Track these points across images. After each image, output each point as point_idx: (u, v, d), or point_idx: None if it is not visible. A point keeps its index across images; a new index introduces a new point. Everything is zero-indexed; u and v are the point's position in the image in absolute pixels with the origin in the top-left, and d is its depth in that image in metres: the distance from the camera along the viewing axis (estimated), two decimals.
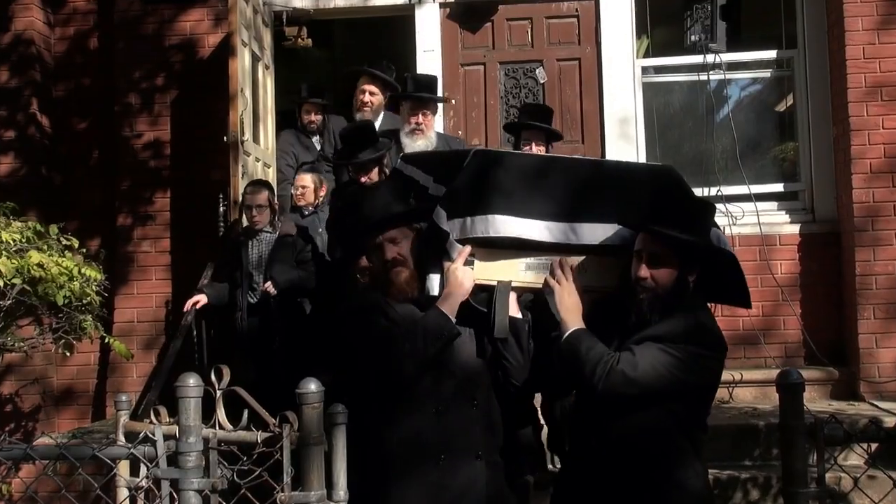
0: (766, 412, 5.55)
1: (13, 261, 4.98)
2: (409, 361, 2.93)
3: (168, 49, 7.13)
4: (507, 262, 3.13)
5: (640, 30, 7.14)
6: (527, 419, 3.70)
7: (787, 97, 7.26)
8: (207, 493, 2.49)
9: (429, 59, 7.09)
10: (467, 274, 3.07)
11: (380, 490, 3.01)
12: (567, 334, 2.93)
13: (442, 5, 7.12)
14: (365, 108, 5.98)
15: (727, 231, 5.28)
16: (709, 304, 3.11)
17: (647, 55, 7.29)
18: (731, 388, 6.07)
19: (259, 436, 2.47)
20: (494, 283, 3.11)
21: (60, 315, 5.41)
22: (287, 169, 6.81)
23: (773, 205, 6.93)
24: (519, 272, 3.14)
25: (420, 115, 5.38)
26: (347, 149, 5.20)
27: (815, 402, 5.95)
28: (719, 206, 6.02)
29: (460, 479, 3.00)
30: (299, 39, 7.44)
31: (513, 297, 3.14)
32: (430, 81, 5.67)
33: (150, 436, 2.49)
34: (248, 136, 6.54)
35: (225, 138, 6.34)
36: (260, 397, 2.55)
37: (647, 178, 3.18)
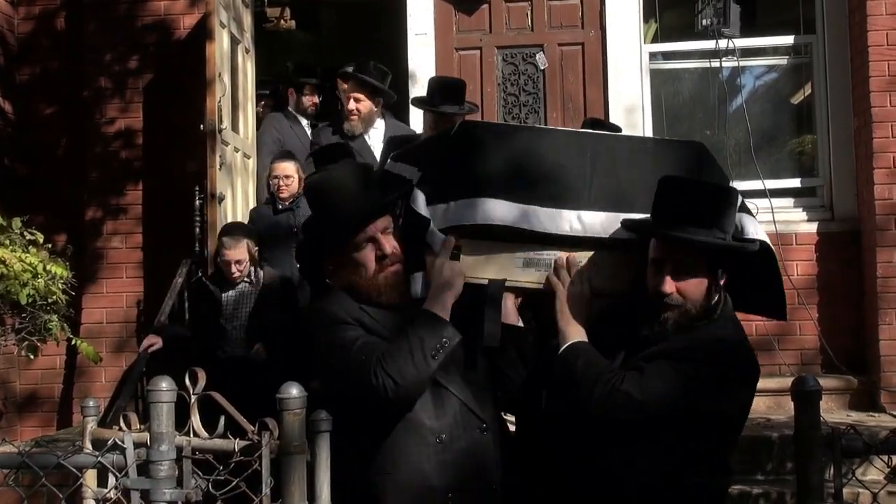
0: (780, 423, 5.57)
1: None
2: (405, 381, 2.54)
3: (141, 30, 7.12)
4: (500, 256, 2.79)
5: (648, 13, 7.16)
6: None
7: (805, 86, 7.29)
8: None
9: (421, 42, 7.10)
10: (456, 269, 2.73)
11: None
12: (564, 348, 2.65)
13: None
14: (353, 118, 5.90)
15: None
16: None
17: (655, 40, 7.31)
18: None
19: (236, 444, 2.47)
20: (484, 281, 2.78)
21: (24, 315, 5.39)
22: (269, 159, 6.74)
23: (790, 201, 6.95)
24: (514, 270, 2.80)
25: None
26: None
27: (833, 412, 5.97)
28: None
29: None
30: (282, 21, 7.47)
31: (510, 300, 2.84)
32: (458, 86, 5.51)
33: (119, 443, 2.49)
34: (226, 124, 6.54)
35: (201, 126, 6.33)
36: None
37: (672, 159, 2.85)
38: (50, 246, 5.66)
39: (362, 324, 2.69)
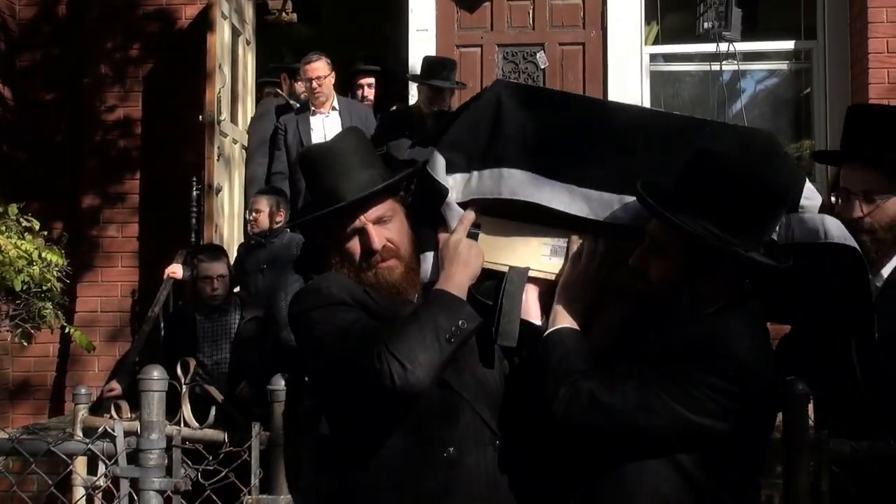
0: None
1: None
2: (414, 365, 2.09)
3: (142, 19, 7.11)
4: (525, 240, 2.42)
5: (650, 15, 7.16)
6: None
7: (805, 92, 7.29)
8: (169, 494, 2.49)
9: (422, 39, 7.10)
10: (474, 249, 2.35)
11: None
12: (548, 332, 2.30)
13: None
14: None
15: None
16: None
17: (656, 42, 7.32)
18: None
19: (226, 435, 2.48)
20: (504, 268, 2.40)
21: (18, 302, 5.38)
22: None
23: None
24: (540, 258, 2.41)
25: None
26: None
27: None
28: None
29: None
30: (284, 14, 7.46)
31: (532, 292, 2.41)
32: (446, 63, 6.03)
33: (110, 431, 2.49)
34: (225, 115, 6.55)
35: (200, 117, 6.34)
36: None
37: (735, 146, 2.38)
38: (46, 233, 5.64)
39: (365, 307, 2.29)
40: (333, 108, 6.34)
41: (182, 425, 2.56)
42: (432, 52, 6.82)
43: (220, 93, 6.41)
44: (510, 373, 2.41)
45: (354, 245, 2.36)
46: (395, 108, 6.74)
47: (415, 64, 6.96)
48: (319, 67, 6.21)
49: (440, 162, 2.41)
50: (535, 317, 2.39)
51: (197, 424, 2.55)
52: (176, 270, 5.93)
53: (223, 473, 2.48)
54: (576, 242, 2.37)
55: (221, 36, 6.52)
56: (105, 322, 6.95)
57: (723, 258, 2.13)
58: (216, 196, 6.30)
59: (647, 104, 6.99)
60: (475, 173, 2.41)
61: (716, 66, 7.07)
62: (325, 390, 2.36)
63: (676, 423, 2.08)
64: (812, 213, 2.34)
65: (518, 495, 2.32)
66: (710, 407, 2.07)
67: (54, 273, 5.44)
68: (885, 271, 2.71)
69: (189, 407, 2.54)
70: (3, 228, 5.28)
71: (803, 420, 2.71)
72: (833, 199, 2.81)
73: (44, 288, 5.39)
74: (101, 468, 2.63)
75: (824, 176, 6.86)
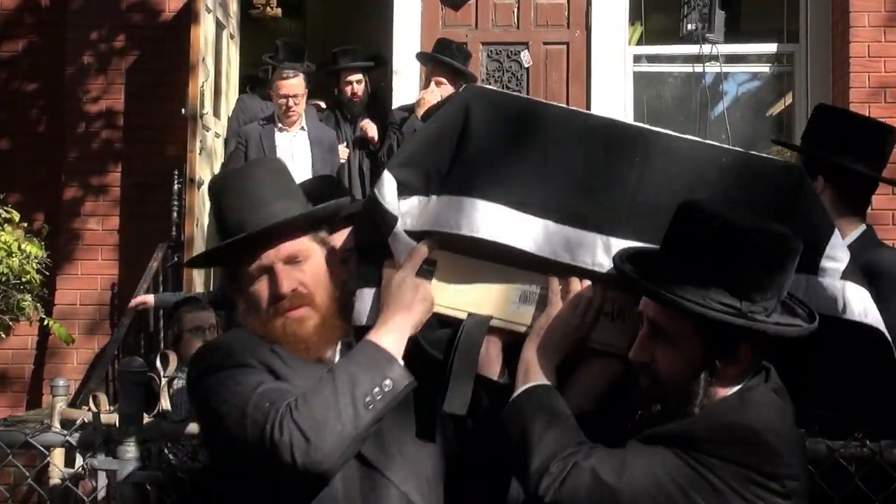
0: None
1: None
2: (320, 439, 1.69)
3: (126, 11, 7.07)
4: (489, 283, 1.99)
5: (634, 16, 7.18)
6: None
7: (786, 95, 7.33)
8: (147, 487, 2.50)
9: (406, 35, 7.08)
10: (420, 291, 1.92)
11: None
12: (521, 390, 1.88)
13: None
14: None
15: None
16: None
17: (640, 43, 7.33)
18: None
19: None
20: (462, 315, 1.97)
21: None
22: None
23: None
24: (507, 304, 1.98)
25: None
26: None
27: None
28: None
29: None
30: (268, 8, 7.46)
31: (495, 344, 1.99)
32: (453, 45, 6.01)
33: (87, 423, 2.49)
34: (208, 109, 6.55)
35: (182, 111, 6.33)
36: None
37: (757, 183, 1.99)
38: (26, 225, 5.67)
39: (271, 370, 1.87)
40: (302, 128, 6.14)
41: (160, 417, 2.56)
42: (417, 49, 6.83)
43: (203, 86, 6.41)
44: (461, 441, 2.00)
45: (261, 288, 1.95)
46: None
47: (399, 62, 7.00)
48: (296, 85, 5.99)
49: (390, 184, 1.98)
50: (494, 372, 1.98)
51: (175, 417, 2.55)
52: (146, 300, 5.76)
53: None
54: (555, 283, 1.96)
55: (205, 29, 6.51)
56: (84, 315, 6.91)
57: (745, 333, 1.75)
58: (198, 190, 6.29)
59: (630, 105, 7.03)
60: (433, 198, 1.99)
61: (699, 68, 7.08)
62: (222, 466, 1.97)
63: None
64: (833, 277, 1.96)
65: None
66: (739, 499, 1.71)
67: (34, 265, 5.45)
68: None
69: (168, 399, 2.55)
70: None
71: None
72: None
73: (23, 280, 5.40)
74: (80, 460, 2.63)
75: None
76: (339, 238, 2.18)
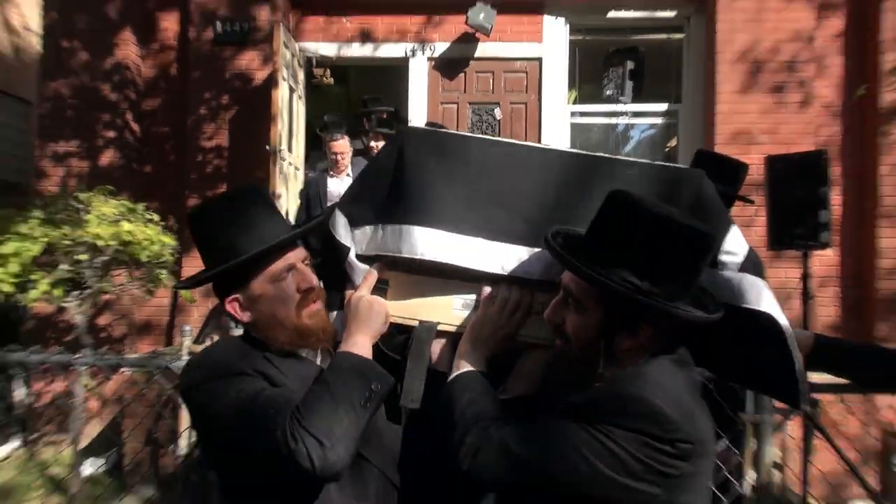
0: None
1: (111, 228, 5.08)
2: (333, 442, 1.38)
3: (229, 79, 7.14)
4: (434, 298, 1.70)
5: (571, 84, 7.23)
6: None
7: (673, 139, 7.37)
8: None
9: (417, 98, 7.14)
10: (375, 306, 1.64)
11: None
12: (452, 377, 1.58)
13: (429, 59, 7.15)
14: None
15: None
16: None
17: (575, 103, 7.38)
18: None
19: None
20: (415, 323, 1.70)
21: (143, 269, 5.47)
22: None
23: None
24: (451, 311, 1.69)
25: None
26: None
27: None
28: None
29: None
30: (324, 78, 7.49)
31: (447, 343, 1.70)
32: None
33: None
34: (283, 146, 6.61)
35: (267, 147, 6.39)
36: None
37: (661, 187, 1.66)
38: (163, 223, 5.72)
39: (267, 377, 1.51)
40: (347, 175, 6.03)
41: None
42: (424, 108, 6.89)
43: (280, 131, 6.48)
44: (409, 420, 1.69)
45: (288, 284, 1.60)
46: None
47: (412, 116, 7.03)
48: (342, 145, 5.92)
49: (340, 220, 1.72)
50: (444, 366, 1.66)
51: None
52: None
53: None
54: (486, 290, 1.67)
55: (282, 92, 6.58)
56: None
57: (644, 310, 1.42)
58: (277, 200, 6.37)
59: (568, 145, 7.03)
60: (380, 227, 1.69)
61: (614, 120, 7.15)
62: (224, 468, 1.55)
63: (609, 485, 1.36)
64: (732, 270, 1.62)
65: None
66: (637, 469, 1.36)
67: (168, 250, 5.54)
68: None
69: None
70: (134, 220, 5.37)
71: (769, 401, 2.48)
72: None
73: (161, 260, 5.48)
74: None
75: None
76: None
